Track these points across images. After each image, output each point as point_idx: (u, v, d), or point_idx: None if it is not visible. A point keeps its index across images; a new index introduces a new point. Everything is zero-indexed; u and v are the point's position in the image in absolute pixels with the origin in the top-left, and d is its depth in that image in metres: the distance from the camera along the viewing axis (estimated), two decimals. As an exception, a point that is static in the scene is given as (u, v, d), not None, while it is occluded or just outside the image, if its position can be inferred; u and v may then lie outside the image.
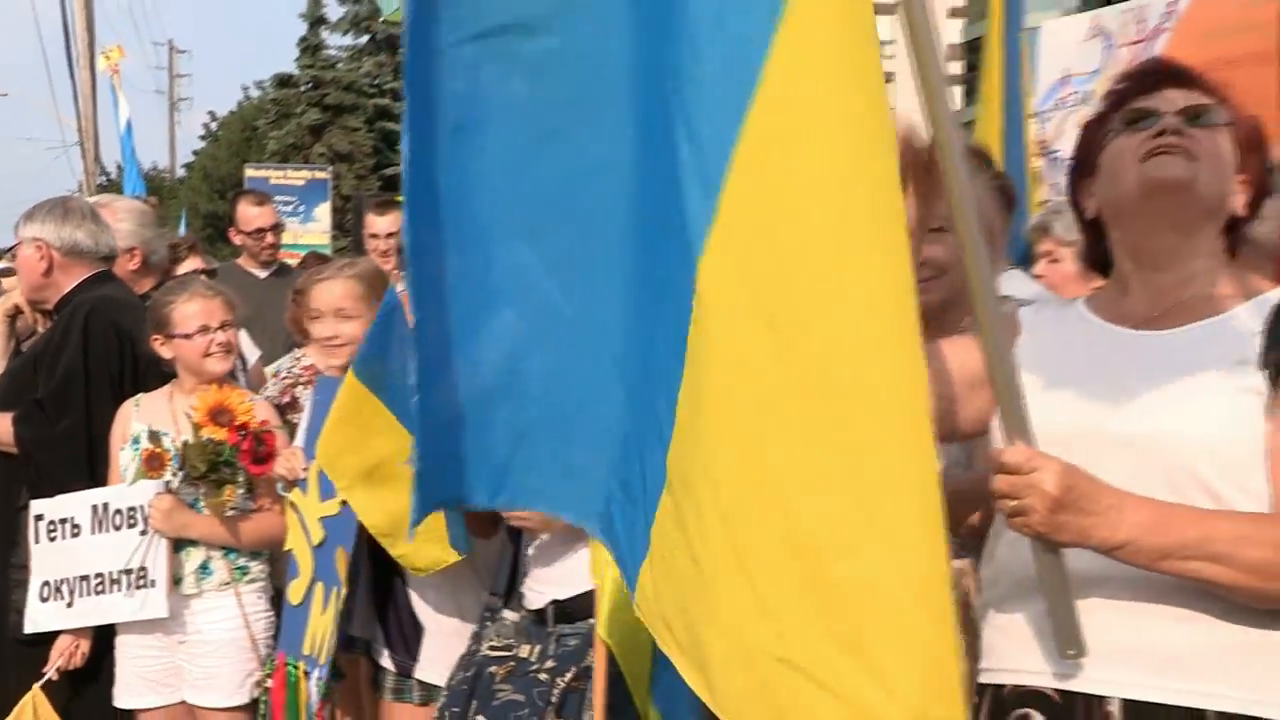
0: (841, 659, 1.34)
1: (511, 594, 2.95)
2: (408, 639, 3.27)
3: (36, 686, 3.62)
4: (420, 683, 3.25)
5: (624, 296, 1.77)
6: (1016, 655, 1.84)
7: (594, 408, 1.85)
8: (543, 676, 2.75)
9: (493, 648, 2.87)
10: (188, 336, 3.65)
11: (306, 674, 3.33)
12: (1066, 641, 1.71)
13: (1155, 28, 5.78)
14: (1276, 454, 1.71)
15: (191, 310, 3.65)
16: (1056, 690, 1.78)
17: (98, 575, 3.60)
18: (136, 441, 3.67)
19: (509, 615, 2.89)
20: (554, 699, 2.71)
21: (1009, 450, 1.67)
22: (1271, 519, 1.69)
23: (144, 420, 3.69)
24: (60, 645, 3.68)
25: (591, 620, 2.61)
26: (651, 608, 1.69)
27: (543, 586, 2.86)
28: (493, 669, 2.83)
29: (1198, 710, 1.69)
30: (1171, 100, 1.87)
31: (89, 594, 3.61)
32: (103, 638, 3.70)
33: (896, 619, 1.33)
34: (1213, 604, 1.70)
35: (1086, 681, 1.74)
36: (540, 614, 2.85)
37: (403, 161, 1.83)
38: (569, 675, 2.73)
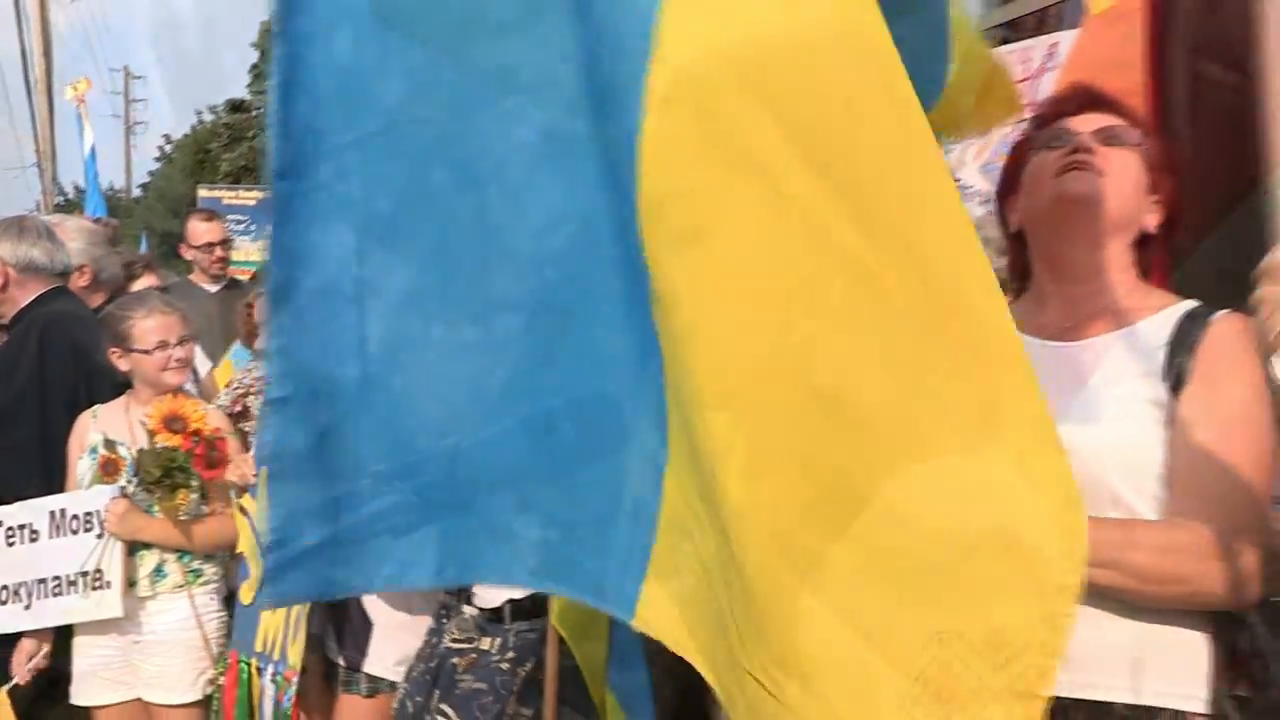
0: (784, 677, 1.25)
1: (463, 595, 2.87)
2: (358, 636, 3.19)
3: (3, 690, 3.50)
4: (368, 675, 3.17)
5: (576, 338, 1.54)
6: None
7: (532, 461, 1.62)
8: (504, 666, 2.69)
9: (454, 640, 2.80)
10: (147, 352, 3.56)
11: (259, 670, 3.25)
12: None
13: (1039, 68, 5.88)
14: (1171, 462, 1.69)
15: (151, 326, 3.57)
16: None
17: (55, 578, 3.48)
18: (94, 451, 3.56)
19: (468, 610, 2.82)
20: (516, 688, 2.66)
21: None
22: (1159, 525, 1.67)
23: (101, 430, 3.59)
24: (25, 649, 3.56)
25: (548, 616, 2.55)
26: (663, 615, 1.52)
27: (497, 588, 2.79)
28: (455, 660, 2.75)
29: (1105, 704, 1.66)
30: (1088, 122, 1.88)
31: (47, 596, 3.49)
32: (62, 639, 3.58)
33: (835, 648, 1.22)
34: (1117, 602, 1.67)
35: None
36: (497, 612, 2.78)
37: (270, 249, 1.58)
38: (529, 665, 2.67)
